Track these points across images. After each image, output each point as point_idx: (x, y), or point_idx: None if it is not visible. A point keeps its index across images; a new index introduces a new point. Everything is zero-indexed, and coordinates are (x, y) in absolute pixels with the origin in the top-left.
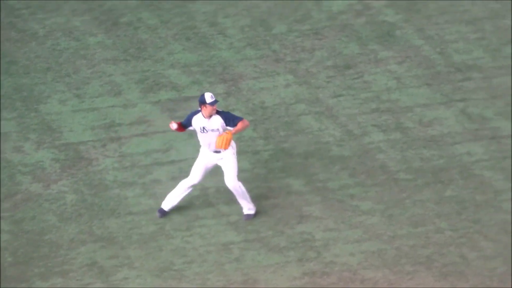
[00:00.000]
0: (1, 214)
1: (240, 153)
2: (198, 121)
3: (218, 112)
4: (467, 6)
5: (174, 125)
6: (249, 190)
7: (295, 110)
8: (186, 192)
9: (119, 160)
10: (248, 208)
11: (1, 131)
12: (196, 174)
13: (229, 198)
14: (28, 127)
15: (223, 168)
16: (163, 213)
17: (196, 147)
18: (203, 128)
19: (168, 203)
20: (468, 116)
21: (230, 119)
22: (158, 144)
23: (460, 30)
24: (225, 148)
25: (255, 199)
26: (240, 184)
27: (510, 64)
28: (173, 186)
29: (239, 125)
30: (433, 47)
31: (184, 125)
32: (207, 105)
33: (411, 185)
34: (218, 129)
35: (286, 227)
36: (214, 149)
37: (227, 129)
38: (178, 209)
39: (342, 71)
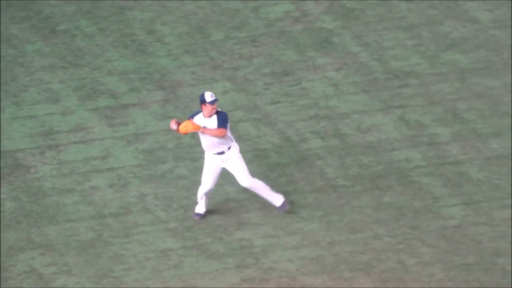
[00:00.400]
0: None
1: (178, 160)
2: (198, 121)
3: (217, 112)
4: (404, 13)
5: (174, 125)
6: (186, 197)
7: (233, 117)
8: (205, 199)
9: (58, 167)
10: (276, 199)
11: None
12: (206, 181)
13: (167, 204)
14: None
15: (231, 171)
16: (201, 216)
17: (134, 154)
18: (204, 127)
19: (200, 207)
20: (406, 122)
21: (219, 121)
22: (96, 151)
23: (397, 37)
24: (178, 131)
25: (193, 205)
26: (254, 179)
27: (447, 70)
28: (111, 193)
29: (215, 131)
30: (370, 53)
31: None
32: (207, 104)
33: (349, 191)
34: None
35: (225, 234)
36: (216, 151)
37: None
38: (116, 215)
39: (280, 78)
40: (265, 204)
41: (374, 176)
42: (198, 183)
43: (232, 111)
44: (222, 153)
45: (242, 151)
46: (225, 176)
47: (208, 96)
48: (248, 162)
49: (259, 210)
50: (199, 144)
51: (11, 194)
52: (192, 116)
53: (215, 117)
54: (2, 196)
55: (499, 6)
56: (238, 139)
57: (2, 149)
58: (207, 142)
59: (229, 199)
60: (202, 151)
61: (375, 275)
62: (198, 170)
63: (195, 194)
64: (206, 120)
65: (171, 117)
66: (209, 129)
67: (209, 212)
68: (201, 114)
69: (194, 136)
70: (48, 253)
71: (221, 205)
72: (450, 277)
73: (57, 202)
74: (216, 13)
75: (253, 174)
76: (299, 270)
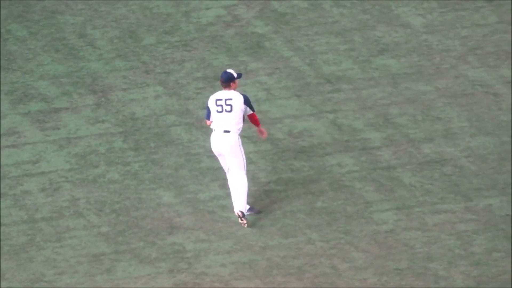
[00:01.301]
0: None
1: (110, 164)
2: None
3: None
4: (336, 18)
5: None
6: (118, 202)
7: (165, 122)
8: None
9: None
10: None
11: None
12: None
13: (99, 209)
14: None
15: None
16: (248, 211)
17: (66, 158)
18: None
19: (239, 204)
20: (338, 127)
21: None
22: (28, 155)
23: (329, 42)
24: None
25: (125, 210)
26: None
27: (379, 75)
28: (43, 197)
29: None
30: (302, 58)
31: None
32: (236, 80)
33: (282, 196)
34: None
35: (157, 238)
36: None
37: None
38: (48, 220)
39: (212, 82)
40: (198, 209)
41: (306, 181)
42: (129, 187)
43: (164, 115)
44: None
45: (173, 156)
46: (157, 181)
47: (234, 72)
48: (180, 166)
49: (191, 215)
50: (131, 148)
51: None
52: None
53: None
54: None
55: (430, 11)
56: (170, 143)
57: None
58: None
59: (161, 203)
60: (133, 155)
61: (308, 279)
62: (130, 175)
63: (127, 198)
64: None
65: (102, 121)
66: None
67: (141, 216)
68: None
69: (126, 140)
70: None
71: (153, 209)
72: (383, 282)
73: None
74: (148, 17)
75: (185, 178)
76: (232, 274)
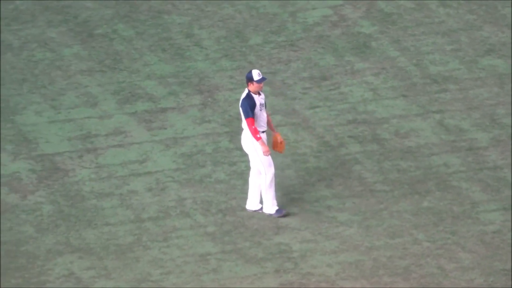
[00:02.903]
0: None
1: (216, 164)
2: (256, 99)
3: None
4: (443, 18)
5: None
6: (224, 201)
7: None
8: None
9: (96, 171)
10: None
11: None
12: (271, 159)
13: (206, 209)
14: (4, 138)
15: None
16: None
17: (172, 158)
18: (260, 104)
19: (249, 202)
20: (445, 127)
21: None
22: (135, 155)
23: (436, 42)
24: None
25: (231, 210)
26: None
27: (486, 75)
28: (150, 197)
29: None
30: (409, 58)
31: (253, 112)
32: (254, 82)
33: (388, 196)
34: (264, 104)
35: (263, 238)
36: (266, 127)
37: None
38: (155, 219)
39: (318, 82)
40: (304, 209)
41: (413, 181)
42: (236, 187)
43: (271, 115)
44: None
45: (279, 156)
46: None
47: (256, 75)
48: (287, 166)
49: (298, 215)
50: (237, 148)
51: (49, 197)
52: (250, 99)
53: (262, 94)
54: (41, 199)
55: None
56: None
57: (40, 153)
58: (264, 121)
59: None
60: (239, 155)
61: (414, 280)
62: (236, 175)
63: (234, 198)
64: (258, 97)
65: (209, 121)
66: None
67: (247, 217)
68: (251, 93)
69: (232, 140)
70: (86, 257)
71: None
72: (490, 282)
73: (95, 206)
74: (254, 17)
75: (291, 178)
76: (338, 274)
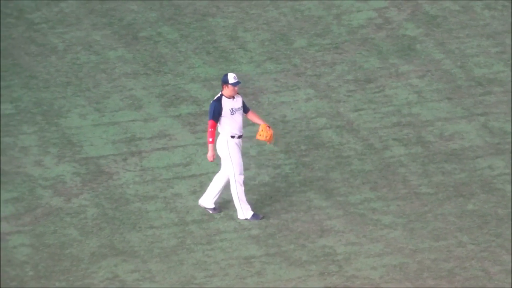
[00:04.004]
0: (22, 228)
1: (260, 167)
2: (226, 104)
3: None
4: (488, 20)
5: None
6: (269, 204)
7: (316, 124)
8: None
9: (140, 174)
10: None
11: (22, 145)
12: (241, 164)
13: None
14: (48, 141)
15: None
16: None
17: (216, 161)
18: (232, 109)
19: (203, 198)
20: (489, 130)
21: (244, 103)
22: (179, 158)
23: (480, 44)
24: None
25: (276, 212)
26: None
27: None
28: (194, 200)
29: (255, 114)
30: (453, 61)
31: (218, 116)
32: (229, 85)
33: (433, 199)
34: (240, 108)
35: (308, 241)
36: (241, 133)
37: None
38: (199, 222)
39: (363, 85)
40: (348, 212)
41: (457, 183)
42: (280, 190)
43: (315, 118)
44: (242, 136)
45: (324, 159)
46: (307, 183)
47: (232, 78)
48: (331, 169)
49: (342, 218)
50: (281, 151)
51: (93, 200)
52: (218, 104)
53: (239, 98)
54: (85, 202)
55: None
56: (321, 146)
57: (85, 156)
58: (237, 123)
59: (312, 206)
60: (284, 158)
61: (459, 282)
62: (281, 177)
63: (278, 201)
64: (231, 101)
65: (253, 124)
66: (260, 119)
67: (291, 219)
68: (223, 97)
69: (276, 143)
70: (130, 260)
71: (304, 212)
72: None
73: (139, 209)
74: (299, 20)
75: (336, 181)
76: (382, 277)
